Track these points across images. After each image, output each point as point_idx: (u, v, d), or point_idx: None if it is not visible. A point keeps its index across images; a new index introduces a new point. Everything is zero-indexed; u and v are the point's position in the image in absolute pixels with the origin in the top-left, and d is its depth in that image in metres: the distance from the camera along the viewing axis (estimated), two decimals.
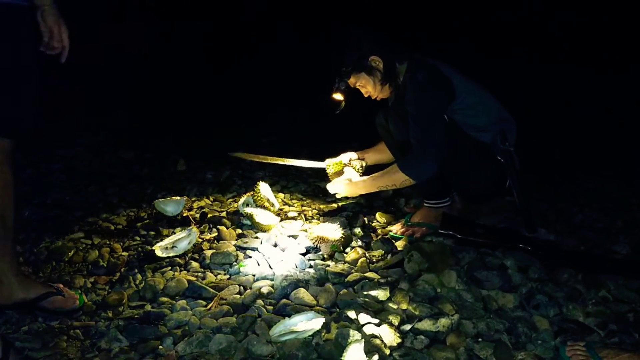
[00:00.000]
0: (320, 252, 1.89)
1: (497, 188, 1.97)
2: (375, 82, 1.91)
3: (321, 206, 2.40)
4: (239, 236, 2.05)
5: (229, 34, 5.63)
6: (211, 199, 2.47)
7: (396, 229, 2.08)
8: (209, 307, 1.54)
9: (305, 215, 2.24)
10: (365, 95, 2.00)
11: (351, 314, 1.47)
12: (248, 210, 2.12)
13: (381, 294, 1.58)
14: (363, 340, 1.34)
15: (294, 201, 2.45)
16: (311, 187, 2.65)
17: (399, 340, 1.37)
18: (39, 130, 1.44)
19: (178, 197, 2.44)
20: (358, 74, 1.91)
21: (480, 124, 1.90)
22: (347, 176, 2.13)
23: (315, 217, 2.25)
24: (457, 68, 1.93)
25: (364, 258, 1.84)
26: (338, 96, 1.98)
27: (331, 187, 2.11)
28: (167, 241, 1.92)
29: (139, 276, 1.74)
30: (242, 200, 2.29)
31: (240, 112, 4.33)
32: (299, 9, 5.38)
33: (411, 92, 1.84)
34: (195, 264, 1.83)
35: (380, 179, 1.96)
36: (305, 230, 2.05)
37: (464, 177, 1.98)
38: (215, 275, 1.76)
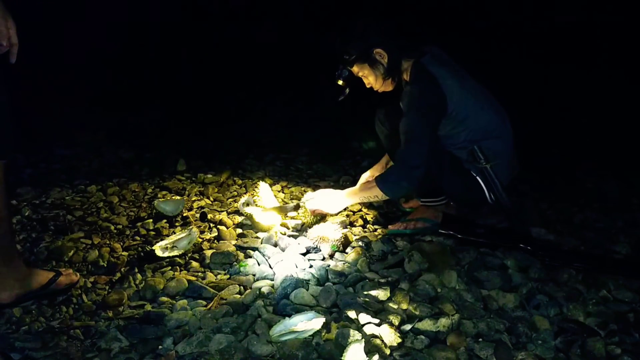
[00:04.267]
0: (320, 252, 1.89)
1: (481, 201, 1.96)
2: (378, 75, 1.88)
3: None
4: (239, 236, 2.05)
5: (227, 33, 5.62)
6: (211, 199, 2.46)
7: (394, 226, 2.09)
8: (209, 307, 1.54)
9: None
10: (367, 86, 1.97)
11: (351, 314, 1.47)
12: (248, 210, 2.12)
13: (381, 294, 1.58)
14: (363, 340, 1.34)
15: (294, 201, 2.45)
16: (311, 187, 2.65)
17: (399, 340, 1.37)
18: (19, 145, 1.42)
19: (178, 197, 2.44)
20: (361, 64, 1.87)
21: (457, 141, 1.89)
22: (323, 192, 2.09)
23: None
24: (463, 70, 1.90)
25: (364, 258, 1.84)
26: (341, 83, 1.94)
27: (311, 205, 2.06)
28: (167, 241, 1.92)
29: (139, 276, 1.74)
30: (242, 200, 2.29)
31: (240, 111, 4.33)
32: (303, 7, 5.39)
33: (404, 105, 1.83)
34: (195, 264, 1.83)
35: (363, 192, 1.94)
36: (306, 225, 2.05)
37: (445, 188, 2.01)
38: (215, 275, 1.76)
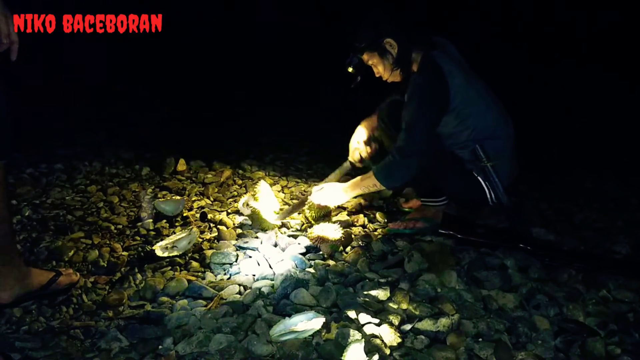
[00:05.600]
0: (320, 252, 1.89)
1: (482, 202, 1.95)
2: (387, 64, 1.86)
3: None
4: (239, 236, 2.05)
5: (228, 32, 5.63)
6: (211, 199, 2.46)
7: (394, 224, 2.09)
8: (209, 307, 1.54)
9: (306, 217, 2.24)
10: (377, 75, 1.95)
11: (351, 313, 1.47)
12: (248, 210, 2.12)
13: (381, 293, 1.58)
14: (363, 340, 1.34)
15: (294, 201, 2.45)
16: (312, 187, 2.65)
17: (399, 340, 1.37)
18: (18, 145, 1.43)
19: (178, 197, 2.44)
20: (371, 52, 1.86)
21: (459, 141, 1.88)
22: (327, 186, 2.09)
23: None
24: (471, 68, 1.90)
25: (364, 258, 1.84)
26: (351, 70, 1.92)
27: (315, 198, 2.07)
28: (167, 241, 1.92)
29: (139, 276, 1.75)
30: (242, 200, 2.29)
31: (240, 111, 4.33)
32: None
33: (407, 94, 1.83)
34: (195, 264, 1.83)
35: (362, 183, 1.94)
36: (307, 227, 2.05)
37: (446, 189, 2.01)
38: (215, 275, 1.76)
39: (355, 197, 2.19)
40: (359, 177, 2.00)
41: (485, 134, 1.87)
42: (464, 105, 1.80)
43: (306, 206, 2.15)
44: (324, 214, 2.14)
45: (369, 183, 1.92)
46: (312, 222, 2.14)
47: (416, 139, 1.79)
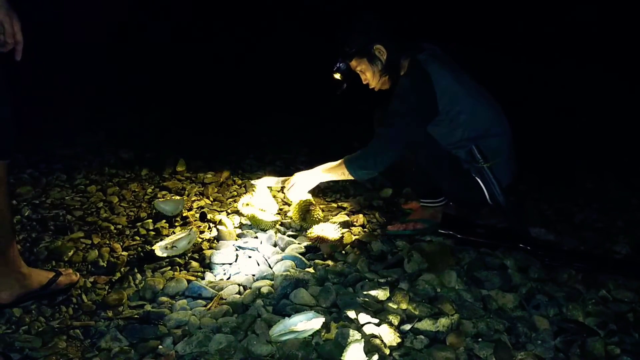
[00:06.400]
0: (320, 252, 1.89)
1: (480, 202, 1.96)
2: (375, 71, 1.88)
3: (320, 206, 2.40)
4: (239, 236, 2.05)
5: (230, 34, 5.63)
6: (211, 199, 2.46)
7: (393, 226, 2.09)
8: (208, 306, 1.54)
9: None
10: (364, 82, 1.96)
11: (351, 313, 1.47)
12: (248, 210, 2.12)
13: (381, 293, 1.58)
14: (363, 340, 1.34)
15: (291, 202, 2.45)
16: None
17: (399, 340, 1.37)
18: (19, 145, 1.43)
19: (178, 197, 2.44)
20: (360, 58, 1.87)
21: (454, 141, 1.89)
22: (295, 178, 2.11)
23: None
24: (461, 69, 1.90)
25: (364, 258, 1.84)
26: (338, 76, 1.94)
27: (292, 195, 2.11)
28: (167, 241, 1.92)
29: (138, 276, 1.75)
30: (242, 200, 2.29)
31: (240, 111, 4.33)
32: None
33: (394, 93, 1.83)
34: (195, 264, 1.83)
35: (333, 170, 1.97)
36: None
37: (444, 189, 2.02)
38: (215, 275, 1.76)
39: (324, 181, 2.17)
40: (329, 164, 2.01)
41: (479, 133, 1.87)
42: (453, 104, 1.81)
43: (292, 208, 2.16)
44: (306, 209, 2.11)
45: (338, 172, 1.95)
46: (301, 223, 2.13)
47: (393, 139, 1.81)
